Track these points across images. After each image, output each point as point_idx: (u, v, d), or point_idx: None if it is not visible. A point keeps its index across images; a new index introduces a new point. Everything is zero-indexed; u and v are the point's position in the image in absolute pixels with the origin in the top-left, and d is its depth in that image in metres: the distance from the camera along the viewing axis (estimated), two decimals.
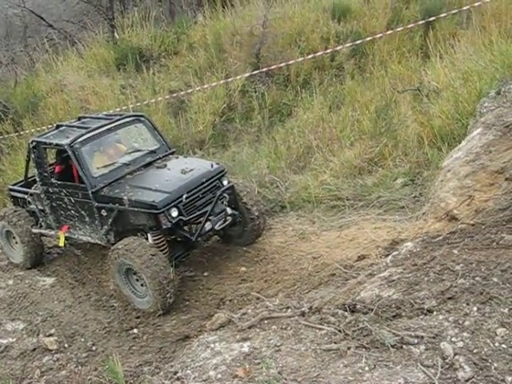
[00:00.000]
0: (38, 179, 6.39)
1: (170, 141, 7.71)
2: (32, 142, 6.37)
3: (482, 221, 4.26)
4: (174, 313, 5.41)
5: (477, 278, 3.40)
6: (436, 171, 5.87)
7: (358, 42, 9.28)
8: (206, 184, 5.79)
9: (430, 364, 2.81)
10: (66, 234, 6.32)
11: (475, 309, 3.15)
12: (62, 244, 6.42)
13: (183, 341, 4.86)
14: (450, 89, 7.01)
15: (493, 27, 7.85)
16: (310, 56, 9.31)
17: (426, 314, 3.25)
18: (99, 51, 11.29)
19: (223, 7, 11.40)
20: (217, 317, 3.92)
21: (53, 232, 6.52)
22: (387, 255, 4.72)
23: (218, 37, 10.39)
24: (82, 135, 5.99)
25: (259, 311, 3.81)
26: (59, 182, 6.16)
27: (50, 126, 8.80)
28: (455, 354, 2.83)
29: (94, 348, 5.14)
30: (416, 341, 2.99)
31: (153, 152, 6.34)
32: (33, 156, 6.38)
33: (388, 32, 9.26)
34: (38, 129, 9.46)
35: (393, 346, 2.99)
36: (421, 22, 9.21)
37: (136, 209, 5.51)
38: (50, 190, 6.26)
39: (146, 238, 5.58)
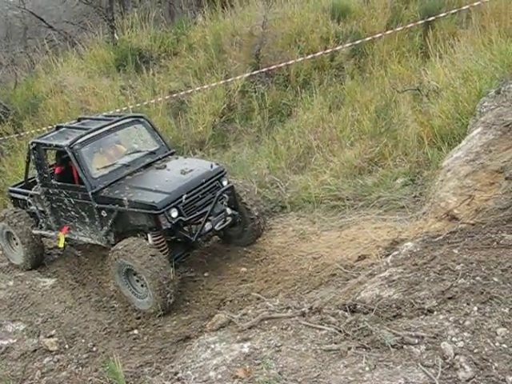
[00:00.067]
0: (38, 180, 6.41)
1: (170, 141, 7.72)
2: (32, 144, 6.38)
3: (482, 220, 4.25)
4: (175, 313, 5.41)
5: (477, 278, 3.40)
6: (436, 171, 5.86)
7: (358, 42, 9.27)
8: (205, 184, 5.79)
9: (431, 364, 2.81)
10: (66, 235, 6.32)
11: (476, 308, 3.14)
12: (61, 245, 6.43)
13: (184, 341, 4.86)
14: (449, 88, 7.00)
15: (492, 27, 7.85)
16: (309, 56, 9.31)
17: (426, 314, 3.24)
18: (99, 52, 11.30)
19: (223, 8, 11.40)
20: (217, 317, 3.91)
21: (53, 233, 6.53)
22: (387, 255, 4.71)
23: (218, 37, 10.39)
24: (82, 136, 6.00)
25: (259, 312, 3.80)
26: (59, 183, 6.17)
27: (49, 127, 8.83)
28: (456, 354, 2.82)
29: (94, 349, 5.14)
30: (416, 341, 2.99)
31: (152, 153, 6.35)
32: (33, 157, 6.38)
33: (387, 32, 9.24)
34: (38, 130, 9.47)
35: (393, 346, 2.98)
36: (420, 22, 9.20)
37: (136, 209, 5.51)
38: (50, 191, 6.26)
39: (146, 239, 5.58)
